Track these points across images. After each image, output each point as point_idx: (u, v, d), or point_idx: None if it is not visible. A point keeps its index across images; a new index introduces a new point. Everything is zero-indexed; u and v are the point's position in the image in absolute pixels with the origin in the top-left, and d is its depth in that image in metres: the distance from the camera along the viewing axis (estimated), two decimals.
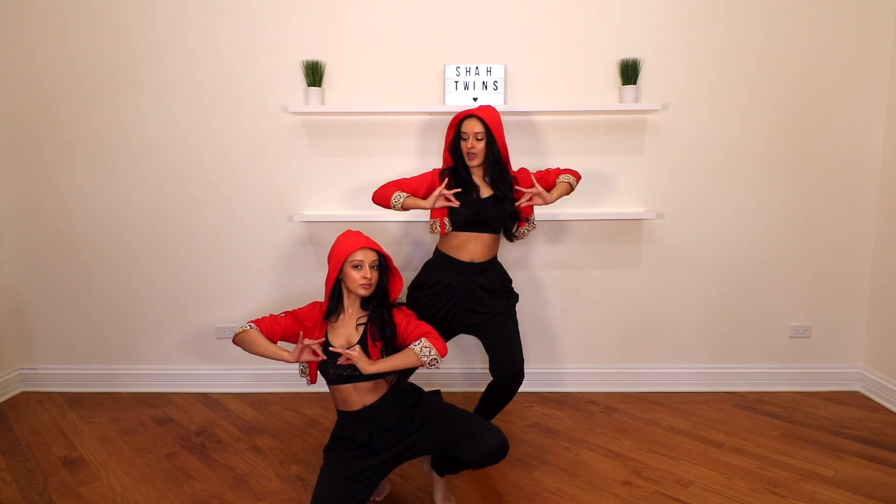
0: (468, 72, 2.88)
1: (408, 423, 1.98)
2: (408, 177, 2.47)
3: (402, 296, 2.46)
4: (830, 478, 2.32)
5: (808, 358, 3.16)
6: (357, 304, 2.06)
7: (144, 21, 2.92)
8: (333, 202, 3.03)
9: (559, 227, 3.05)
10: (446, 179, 2.37)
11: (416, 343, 1.90)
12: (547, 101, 2.95)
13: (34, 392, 3.21)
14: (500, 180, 2.37)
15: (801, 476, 2.33)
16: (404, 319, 2.04)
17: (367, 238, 2.03)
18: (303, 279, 3.10)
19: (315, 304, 2.10)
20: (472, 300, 2.36)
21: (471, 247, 2.36)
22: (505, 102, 2.92)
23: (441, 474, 2.15)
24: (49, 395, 3.16)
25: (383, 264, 2.04)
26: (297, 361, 1.90)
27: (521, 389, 3.13)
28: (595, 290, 3.11)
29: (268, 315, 2.08)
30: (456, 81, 2.89)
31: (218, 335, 3.16)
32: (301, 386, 3.18)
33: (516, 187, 2.38)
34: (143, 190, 3.05)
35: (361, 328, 2.02)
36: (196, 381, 3.20)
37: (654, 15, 2.90)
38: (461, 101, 2.89)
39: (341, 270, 2.00)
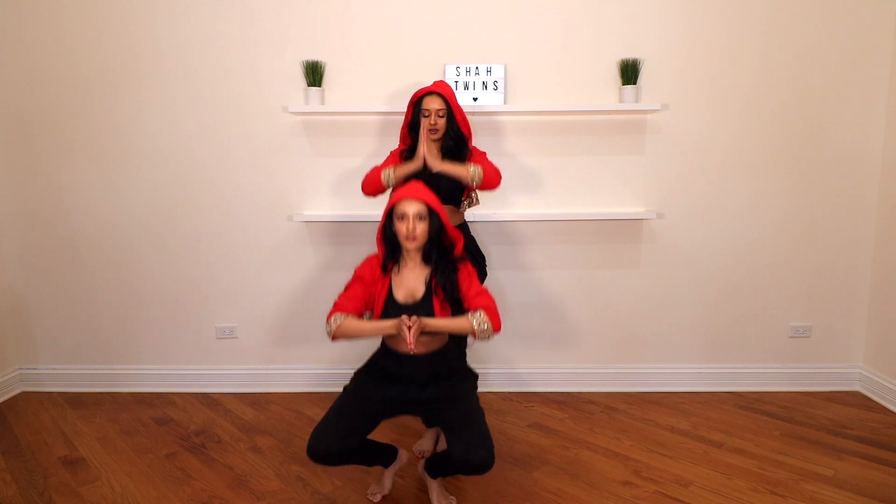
0: (468, 72, 2.88)
1: (436, 387, 2.01)
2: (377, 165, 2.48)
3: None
4: (830, 478, 2.32)
5: (807, 358, 3.16)
6: (418, 257, 2.06)
7: (144, 21, 2.92)
8: (333, 202, 3.03)
9: (559, 227, 3.05)
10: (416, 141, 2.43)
11: (475, 315, 1.93)
12: (547, 101, 2.95)
13: (34, 392, 3.21)
14: (455, 155, 2.41)
15: (801, 476, 2.33)
16: (467, 279, 2.05)
17: (419, 189, 2.02)
18: (303, 279, 3.10)
19: (370, 258, 2.11)
20: None
21: None
22: (505, 102, 2.92)
23: (433, 477, 2.16)
24: (49, 395, 3.16)
25: (434, 216, 2.02)
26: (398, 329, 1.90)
27: (520, 389, 3.16)
28: (595, 290, 3.11)
29: (339, 297, 2.07)
30: (456, 81, 2.89)
31: (218, 335, 3.16)
32: (301, 386, 3.18)
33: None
34: (144, 189, 3.05)
35: (425, 283, 2.04)
36: (196, 381, 3.20)
37: (654, 15, 2.90)
38: (462, 101, 2.89)
39: (392, 222, 2.02)
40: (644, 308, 3.12)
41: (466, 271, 2.07)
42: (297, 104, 2.93)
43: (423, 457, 2.44)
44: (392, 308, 2.02)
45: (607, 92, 2.95)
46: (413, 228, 1.97)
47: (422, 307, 2.01)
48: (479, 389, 3.13)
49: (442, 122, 2.38)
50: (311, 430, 1.85)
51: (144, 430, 2.76)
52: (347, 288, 2.09)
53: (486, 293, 2.03)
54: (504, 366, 3.16)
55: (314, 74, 2.86)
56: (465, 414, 1.97)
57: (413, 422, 2.78)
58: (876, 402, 3.01)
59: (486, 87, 2.90)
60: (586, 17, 2.91)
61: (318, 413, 2.91)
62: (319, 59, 2.89)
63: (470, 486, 2.27)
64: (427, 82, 2.93)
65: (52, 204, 3.08)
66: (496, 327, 1.95)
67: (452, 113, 2.40)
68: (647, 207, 3.03)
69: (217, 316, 3.16)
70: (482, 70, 2.89)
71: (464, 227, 2.53)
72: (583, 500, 2.19)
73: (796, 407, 2.96)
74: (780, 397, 3.07)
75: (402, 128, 2.50)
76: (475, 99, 2.90)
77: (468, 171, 2.32)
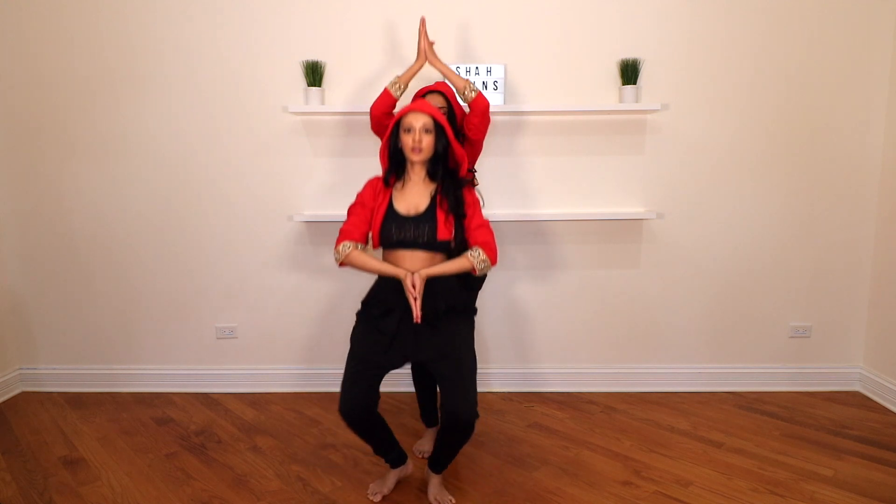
0: (468, 72, 2.88)
1: (434, 330, 2.01)
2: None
3: None
4: (830, 478, 2.32)
5: (807, 358, 3.16)
6: (423, 172, 2.08)
7: (145, 21, 2.92)
8: (333, 202, 3.03)
9: (559, 227, 3.05)
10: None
11: (473, 253, 2.00)
12: (547, 101, 2.95)
13: (34, 392, 3.21)
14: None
15: (801, 476, 2.33)
16: (472, 206, 2.07)
17: (425, 104, 2.04)
18: (303, 279, 3.10)
19: (370, 180, 2.13)
20: None
21: None
22: (505, 102, 2.92)
23: (436, 471, 2.18)
24: (49, 395, 3.16)
25: (441, 132, 2.04)
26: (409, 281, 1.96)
27: (520, 389, 3.16)
28: (595, 290, 3.11)
29: (345, 223, 2.09)
30: None
31: (218, 335, 3.16)
32: (301, 386, 3.18)
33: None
34: (144, 189, 3.05)
35: (429, 198, 2.05)
36: (196, 381, 3.20)
37: (654, 15, 2.90)
38: (461, 101, 2.89)
39: (397, 136, 2.04)
40: (644, 308, 3.12)
41: (472, 198, 2.09)
42: (297, 104, 2.93)
43: (423, 457, 2.44)
44: (393, 219, 2.03)
45: (607, 92, 2.95)
46: (419, 140, 1.99)
47: (425, 220, 2.02)
48: (480, 390, 3.15)
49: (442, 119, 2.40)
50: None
51: (144, 430, 2.76)
52: (351, 213, 2.10)
53: (485, 226, 2.06)
54: (504, 366, 3.16)
55: (314, 74, 2.86)
56: (458, 371, 2.00)
57: (413, 422, 2.78)
58: (876, 402, 3.01)
59: (486, 87, 2.89)
60: (586, 17, 2.91)
61: (319, 413, 2.91)
62: (319, 59, 2.89)
63: (470, 486, 2.27)
64: (427, 82, 2.94)
65: (52, 204, 3.08)
66: (493, 261, 2.02)
67: (453, 111, 2.41)
68: (647, 207, 3.03)
69: (217, 316, 3.16)
70: (482, 70, 2.88)
71: None
72: (583, 500, 2.19)
73: (796, 407, 2.96)
74: (780, 397, 3.07)
75: None
76: None
77: (465, 82, 2.35)
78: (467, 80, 2.37)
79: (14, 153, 3.05)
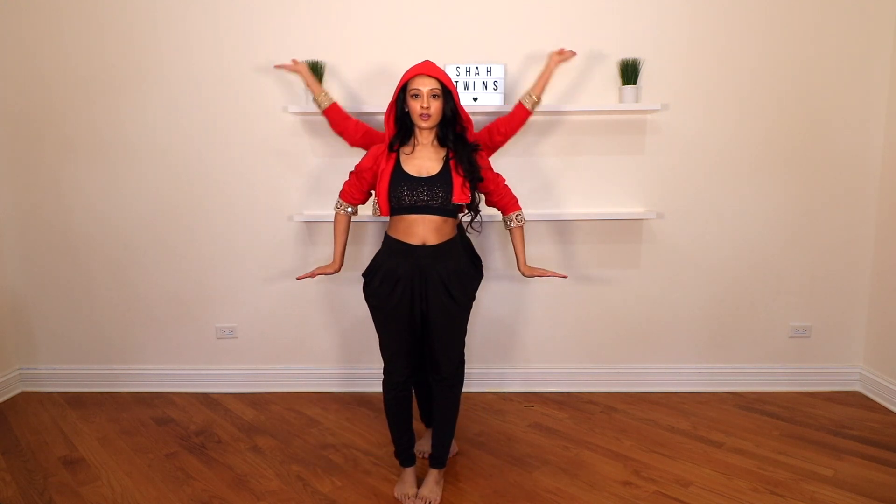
0: (468, 72, 2.88)
1: (446, 291, 2.05)
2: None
3: None
4: (830, 478, 2.32)
5: (807, 358, 3.16)
6: (431, 136, 2.06)
7: (145, 20, 2.92)
8: (333, 202, 3.02)
9: (559, 227, 3.05)
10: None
11: (518, 219, 2.23)
12: (547, 101, 2.94)
13: (34, 392, 3.21)
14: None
15: (801, 476, 2.33)
16: (488, 171, 2.13)
17: (431, 66, 2.00)
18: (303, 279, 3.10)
19: (374, 147, 2.14)
20: None
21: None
22: (505, 102, 2.92)
23: (436, 465, 2.21)
24: (49, 395, 3.16)
25: (449, 96, 2.01)
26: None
27: (521, 389, 3.15)
28: (595, 290, 3.11)
29: (346, 182, 2.20)
30: (456, 81, 2.89)
31: (218, 335, 3.16)
32: (301, 386, 3.18)
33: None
34: (144, 189, 3.05)
35: (441, 161, 2.04)
36: (196, 381, 3.20)
37: (654, 15, 2.90)
38: (461, 102, 2.88)
39: (404, 101, 2.03)
40: (644, 308, 3.12)
41: (483, 160, 2.11)
42: (297, 104, 2.93)
43: (423, 457, 2.44)
44: (404, 181, 2.00)
45: (607, 92, 2.95)
46: (427, 106, 1.96)
47: (438, 182, 2.00)
48: (478, 390, 3.16)
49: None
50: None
51: (144, 430, 2.76)
52: (351, 176, 2.16)
53: (507, 187, 2.21)
54: (504, 366, 3.16)
55: (314, 74, 2.85)
56: (452, 334, 2.12)
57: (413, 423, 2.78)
58: (876, 402, 3.01)
59: (486, 87, 2.89)
60: (586, 17, 2.90)
61: (319, 413, 2.91)
62: (319, 59, 2.89)
63: (470, 486, 2.27)
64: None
65: (52, 204, 3.08)
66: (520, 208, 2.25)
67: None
68: (647, 207, 3.03)
69: (217, 316, 3.16)
70: (482, 70, 2.88)
71: (459, 227, 2.52)
72: (583, 500, 2.19)
73: (796, 407, 2.96)
74: (780, 397, 3.07)
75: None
76: (475, 99, 2.90)
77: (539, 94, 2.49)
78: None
79: (14, 153, 3.05)
